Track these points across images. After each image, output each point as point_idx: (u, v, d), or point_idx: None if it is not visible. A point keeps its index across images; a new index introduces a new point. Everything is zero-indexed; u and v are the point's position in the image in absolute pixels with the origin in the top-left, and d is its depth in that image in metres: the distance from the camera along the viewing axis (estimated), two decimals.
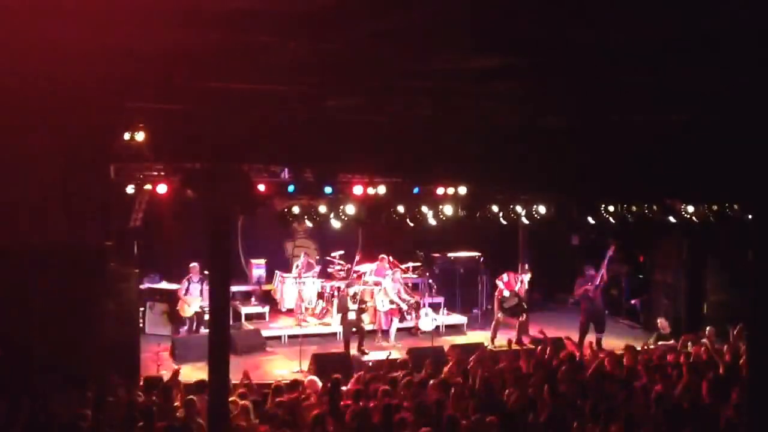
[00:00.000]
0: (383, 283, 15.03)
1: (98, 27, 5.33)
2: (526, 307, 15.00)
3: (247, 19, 5.25)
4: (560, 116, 8.63)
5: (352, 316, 14.07)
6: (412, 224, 12.92)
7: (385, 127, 8.67)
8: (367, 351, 13.79)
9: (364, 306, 14.64)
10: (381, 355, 13.00)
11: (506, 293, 14.91)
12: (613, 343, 14.25)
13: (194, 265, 14.28)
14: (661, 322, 15.33)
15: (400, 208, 12.50)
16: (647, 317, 16.74)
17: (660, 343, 13.93)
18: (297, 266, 16.04)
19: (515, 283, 14.98)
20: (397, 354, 13.14)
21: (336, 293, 15.25)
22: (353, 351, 13.64)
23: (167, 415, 8.44)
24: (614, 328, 16.45)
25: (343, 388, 9.59)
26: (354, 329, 14.05)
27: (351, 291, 14.45)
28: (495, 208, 13.13)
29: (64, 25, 5.28)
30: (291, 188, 11.37)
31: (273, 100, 7.87)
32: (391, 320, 14.83)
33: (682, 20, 5.19)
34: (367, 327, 14.69)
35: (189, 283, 14.23)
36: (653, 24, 5.24)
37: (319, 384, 10.02)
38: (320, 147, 8.92)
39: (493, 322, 14.94)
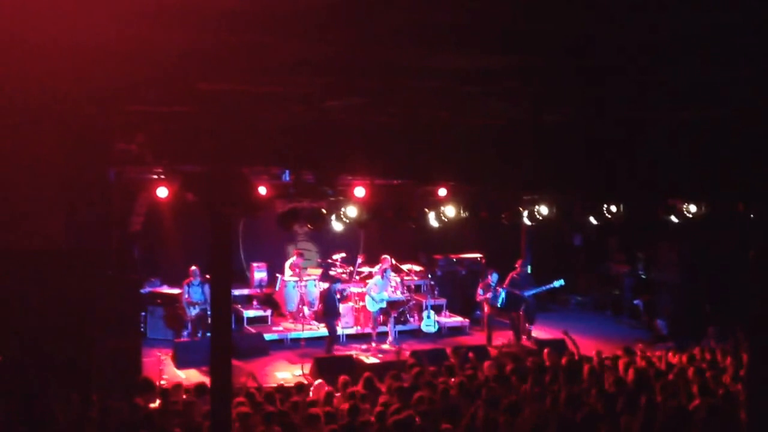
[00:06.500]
0: (371, 282, 14.91)
1: (98, 29, 5.31)
2: (500, 306, 14.87)
3: (247, 20, 5.23)
4: (562, 115, 8.60)
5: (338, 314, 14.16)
6: (413, 226, 12.87)
7: (385, 128, 8.65)
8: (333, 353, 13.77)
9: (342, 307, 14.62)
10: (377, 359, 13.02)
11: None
12: (615, 344, 14.18)
13: (194, 268, 14.25)
14: (659, 323, 15.26)
15: (402, 210, 12.46)
16: (649, 317, 16.69)
17: (658, 344, 13.90)
18: (291, 264, 16.02)
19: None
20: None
21: (340, 296, 15.20)
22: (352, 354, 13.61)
23: (169, 421, 8.39)
24: (617, 329, 16.37)
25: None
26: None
27: (336, 288, 14.42)
28: (497, 209, 13.08)
29: (64, 28, 5.26)
30: (291, 190, 11.31)
31: (273, 102, 7.84)
32: (385, 321, 14.70)
33: (683, 16, 5.17)
34: (354, 329, 14.95)
35: (189, 287, 14.19)
36: (656, 20, 5.22)
37: (326, 387, 9.96)
38: (321, 148, 8.89)
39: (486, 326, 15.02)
